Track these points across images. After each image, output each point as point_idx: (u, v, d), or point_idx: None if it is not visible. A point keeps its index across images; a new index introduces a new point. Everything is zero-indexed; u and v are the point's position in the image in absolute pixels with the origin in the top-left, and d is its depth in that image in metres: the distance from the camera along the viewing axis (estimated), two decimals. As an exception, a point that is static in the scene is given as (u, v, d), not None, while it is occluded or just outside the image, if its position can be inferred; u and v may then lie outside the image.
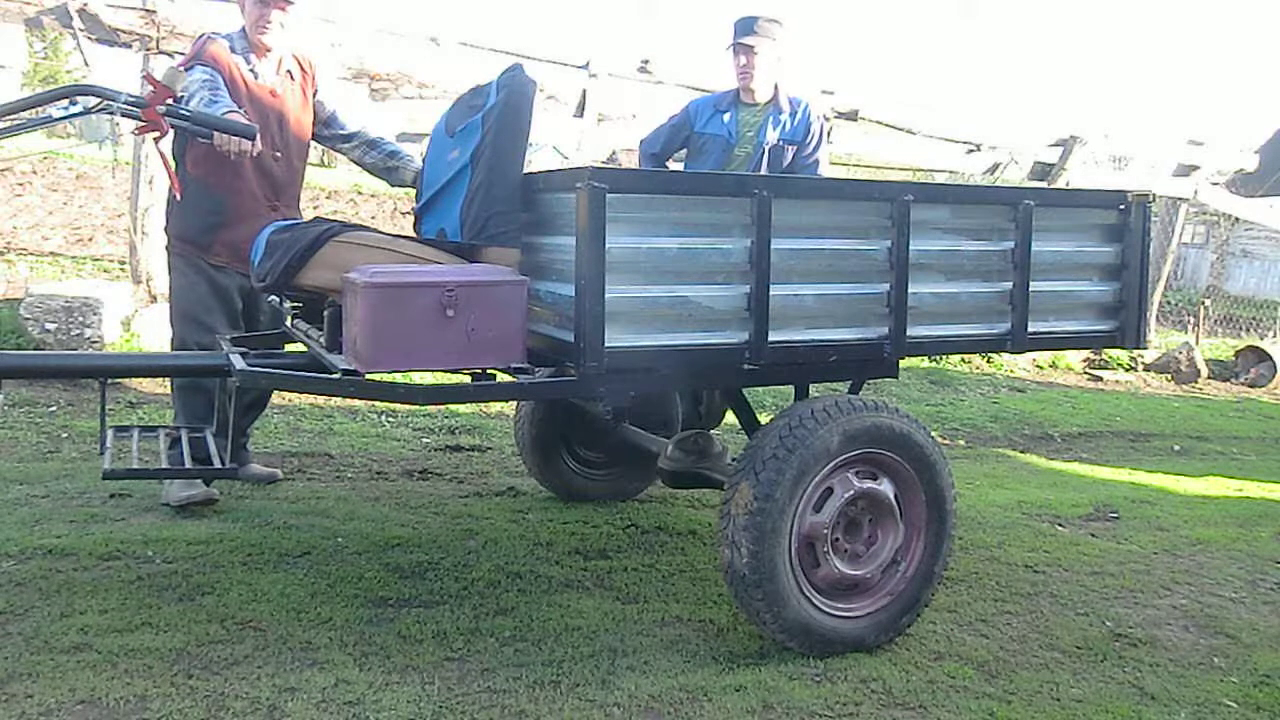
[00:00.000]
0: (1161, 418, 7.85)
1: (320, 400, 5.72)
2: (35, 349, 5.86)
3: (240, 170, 3.71)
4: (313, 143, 4.10)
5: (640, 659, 2.89)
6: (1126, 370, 9.80)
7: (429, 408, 5.75)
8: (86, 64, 6.38)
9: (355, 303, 2.62)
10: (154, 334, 6.17)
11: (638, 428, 3.94)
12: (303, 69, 3.96)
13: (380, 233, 3.06)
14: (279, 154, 3.87)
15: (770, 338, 2.83)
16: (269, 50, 3.84)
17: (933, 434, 3.12)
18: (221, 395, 3.74)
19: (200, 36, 3.87)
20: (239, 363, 2.92)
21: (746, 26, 4.25)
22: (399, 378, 2.75)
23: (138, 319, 6.37)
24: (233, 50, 3.77)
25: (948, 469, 3.10)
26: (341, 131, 4.08)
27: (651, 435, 3.90)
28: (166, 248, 4.01)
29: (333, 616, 3.03)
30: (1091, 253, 3.40)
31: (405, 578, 3.37)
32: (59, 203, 11.38)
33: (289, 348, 3.48)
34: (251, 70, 3.81)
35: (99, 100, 2.93)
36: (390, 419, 5.70)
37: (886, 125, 8.54)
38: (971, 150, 9.06)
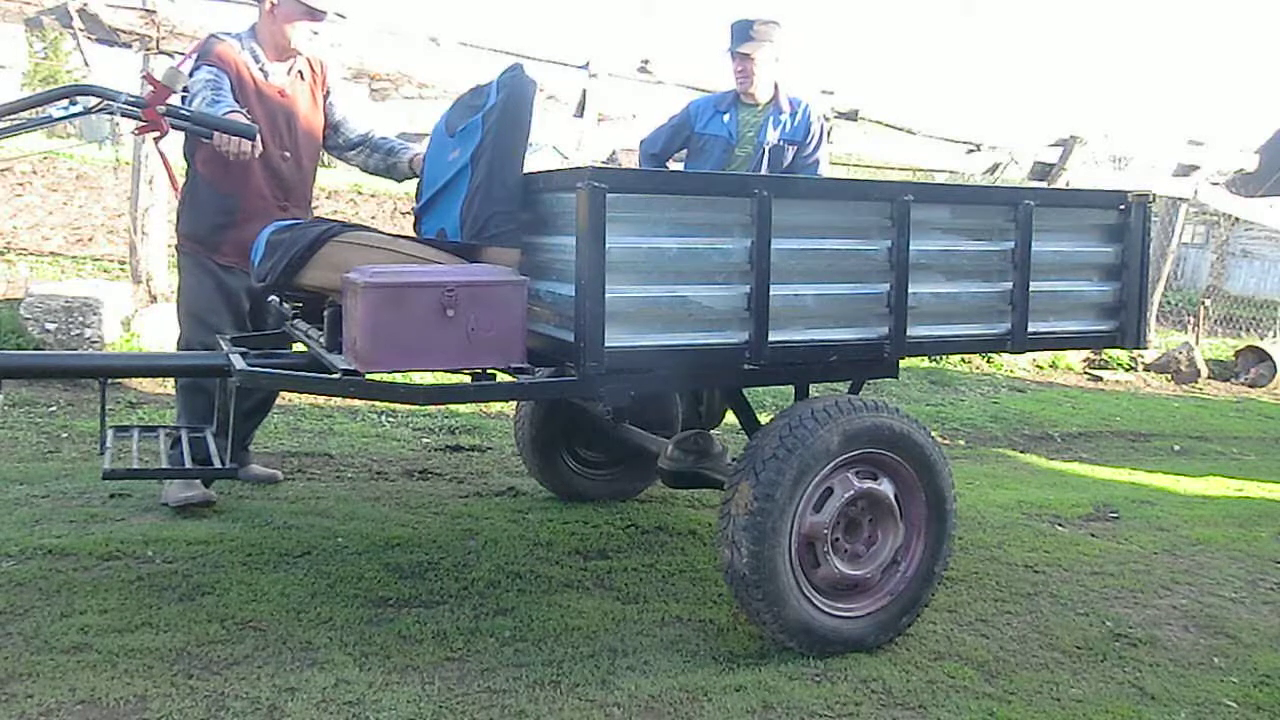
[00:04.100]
0: (1161, 418, 7.85)
1: (320, 400, 5.72)
2: (35, 349, 5.87)
3: (249, 170, 3.70)
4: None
5: (640, 659, 2.89)
6: (1126, 370, 9.80)
7: (429, 408, 5.76)
8: (86, 64, 6.39)
9: (355, 303, 2.61)
10: (154, 334, 6.18)
11: (638, 428, 3.94)
12: (313, 70, 3.95)
13: (380, 233, 3.06)
14: (287, 154, 3.86)
15: (770, 338, 2.83)
16: (293, 54, 3.84)
17: (933, 434, 3.12)
18: (222, 395, 3.74)
19: (207, 37, 3.87)
20: (239, 363, 2.92)
21: (743, 32, 4.25)
22: (399, 378, 2.75)
23: (138, 319, 6.37)
24: (242, 50, 3.77)
25: (948, 469, 3.10)
26: (347, 139, 4.06)
27: (651, 435, 3.90)
28: (176, 247, 4.00)
29: (333, 616, 3.03)
30: (1091, 253, 3.40)
31: (405, 578, 3.37)
32: (59, 203, 11.37)
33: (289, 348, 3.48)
34: (261, 70, 3.80)
35: (99, 100, 2.94)
36: (390, 419, 5.71)
37: (886, 125, 8.55)
38: (971, 150, 9.06)
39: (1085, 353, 9.67)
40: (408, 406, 5.59)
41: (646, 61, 7.61)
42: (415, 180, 3.81)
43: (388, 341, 2.61)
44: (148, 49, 6.17)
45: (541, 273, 2.92)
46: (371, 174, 4.17)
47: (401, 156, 4.02)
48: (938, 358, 8.35)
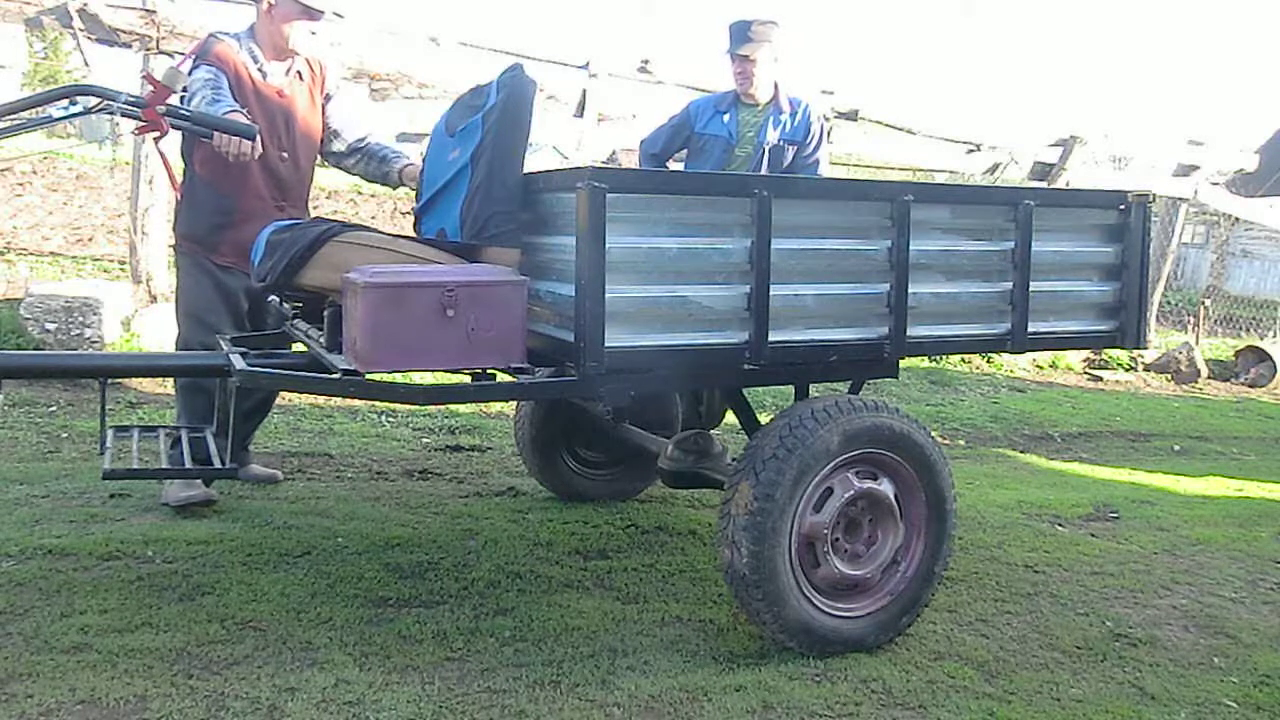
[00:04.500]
0: (1161, 418, 7.85)
1: (320, 400, 5.72)
2: (35, 349, 5.87)
3: (247, 170, 3.70)
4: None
5: (640, 659, 2.89)
6: (1126, 370, 9.80)
7: (429, 408, 5.76)
8: (86, 64, 6.39)
9: (355, 303, 2.62)
10: (154, 334, 6.18)
11: (638, 428, 3.94)
12: (312, 70, 3.95)
13: (380, 233, 3.06)
14: (285, 154, 3.85)
15: (770, 338, 2.83)
16: (291, 54, 3.84)
17: (933, 434, 3.12)
18: (222, 395, 3.74)
19: (207, 36, 3.87)
20: (239, 362, 2.92)
21: (742, 33, 4.25)
22: (399, 378, 2.75)
23: (138, 319, 6.37)
24: (240, 50, 3.76)
25: (948, 469, 3.10)
26: (345, 146, 4.04)
27: (651, 435, 3.90)
28: (174, 247, 4.00)
29: (333, 616, 3.03)
30: (1091, 253, 3.40)
31: (405, 578, 3.37)
32: (59, 203, 11.37)
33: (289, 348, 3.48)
34: (260, 70, 3.80)
35: (99, 100, 2.94)
36: (390, 419, 5.71)
37: (886, 125, 8.55)
38: (971, 150, 9.06)
39: (1085, 353, 9.66)
40: (408, 406, 5.59)
41: (646, 61, 7.61)
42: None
43: (388, 341, 2.61)
44: (148, 49, 6.17)
45: (541, 273, 2.92)
46: (369, 181, 4.16)
47: (393, 165, 3.99)
48: (938, 358, 8.35)
